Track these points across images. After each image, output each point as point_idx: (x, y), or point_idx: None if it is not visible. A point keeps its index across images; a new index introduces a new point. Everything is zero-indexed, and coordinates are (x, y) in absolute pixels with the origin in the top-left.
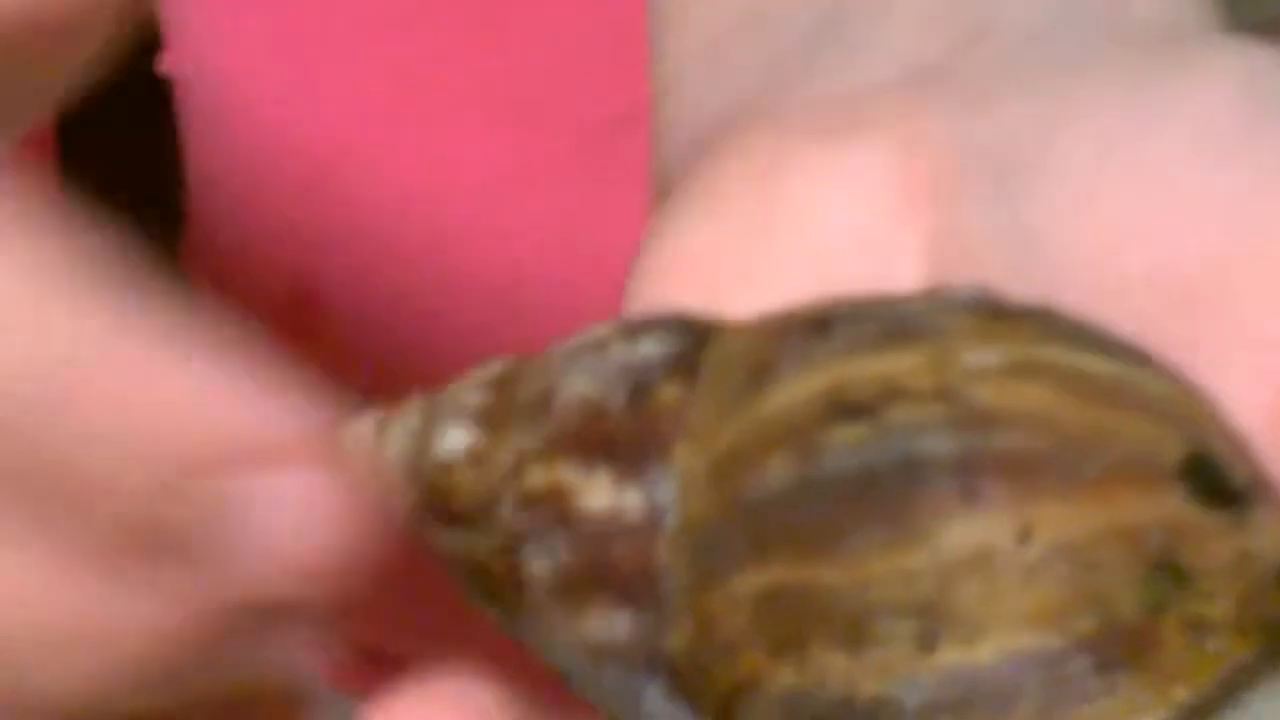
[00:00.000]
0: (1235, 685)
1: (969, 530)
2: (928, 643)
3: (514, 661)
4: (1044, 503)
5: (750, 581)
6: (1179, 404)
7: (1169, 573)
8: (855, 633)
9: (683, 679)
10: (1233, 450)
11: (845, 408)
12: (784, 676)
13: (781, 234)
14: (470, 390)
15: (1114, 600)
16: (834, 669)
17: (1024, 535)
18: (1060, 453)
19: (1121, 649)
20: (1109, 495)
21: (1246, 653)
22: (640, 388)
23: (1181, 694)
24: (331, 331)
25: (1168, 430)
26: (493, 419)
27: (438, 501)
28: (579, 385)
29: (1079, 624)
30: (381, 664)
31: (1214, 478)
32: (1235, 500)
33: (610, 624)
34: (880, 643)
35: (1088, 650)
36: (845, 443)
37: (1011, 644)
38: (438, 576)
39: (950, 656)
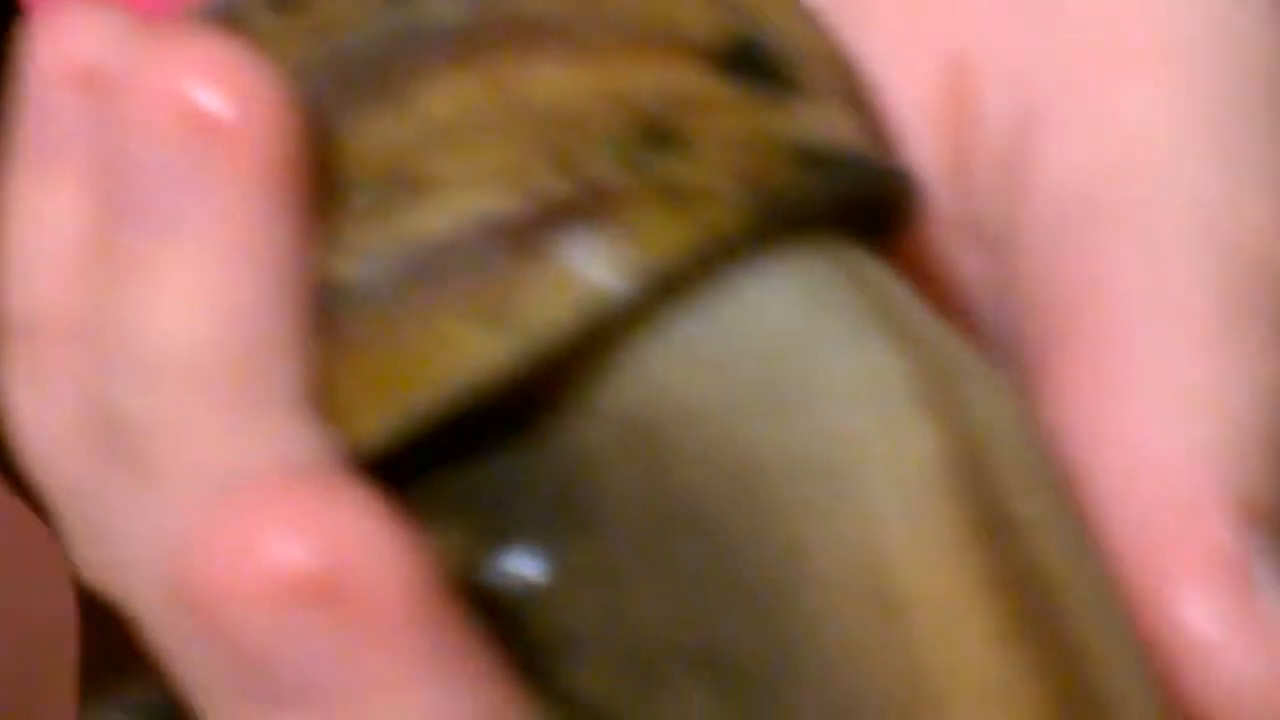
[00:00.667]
0: (717, 258)
1: (450, 93)
2: (389, 211)
3: None
4: (537, 64)
5: None
6: (762, 7)
7: (656, 136)
8: (328, 211)
9: None
10: (823, 61)
11: None
12: None
13: None
14: None
15: (585, 160)
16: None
17: (505, 95)
18: (575, 19)
19: (586, 210)
20: (613, 60)
21: (735, 225)
22: (235, 16)
23: (647, 259)
24: None
25: (723, 16)
26: None
27: None
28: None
29: (542, 183)
30: None
31: (759, 63)
32: (779, 89)
33: None
34: (350, 217)
35: (549, 210)
36: (365, 21)
37: (469, 206)
38: None
39: (410, 225)
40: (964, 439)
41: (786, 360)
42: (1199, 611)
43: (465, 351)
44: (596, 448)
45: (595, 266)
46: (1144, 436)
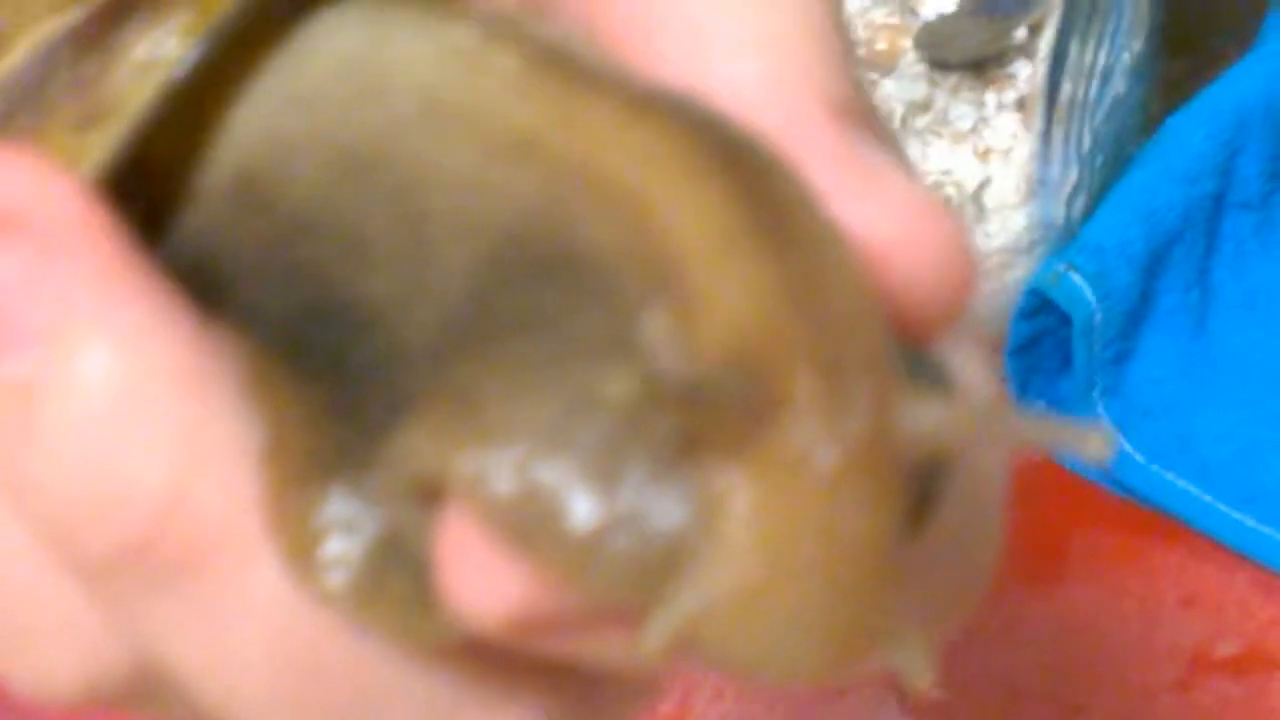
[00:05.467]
0: (278, 6)
1: None
2: None
3: None
4: None
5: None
6: None
7: None
8: None
9: None
10: None
11: None
12: None
13: None
14: None
15: None
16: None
17: None
18: None
19: (142, 2)
20: None
21: None
22: None
23: (209, 21)
24: None
25: None
26: None
27: None
28: None
29: None
30: None
31: None
32: None
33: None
34: None
35: (108, 12)
36: None
37: (39, 37)
38: None
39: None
40: (545, 48)
41: (362, 64)
42: (839, 198)
43: (79, 155)
44: (211, 222)
45: (165, 44)
46: (724, 75)
